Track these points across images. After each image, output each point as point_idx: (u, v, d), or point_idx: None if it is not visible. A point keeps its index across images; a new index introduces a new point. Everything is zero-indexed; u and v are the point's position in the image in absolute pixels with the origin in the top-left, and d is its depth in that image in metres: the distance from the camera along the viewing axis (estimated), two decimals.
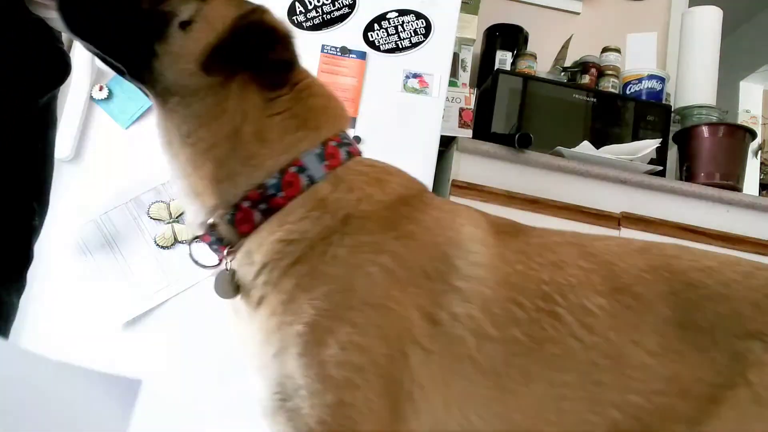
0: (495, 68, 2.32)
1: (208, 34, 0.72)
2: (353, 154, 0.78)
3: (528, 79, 2.24)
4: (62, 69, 0.94)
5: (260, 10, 0.75)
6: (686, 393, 0.68)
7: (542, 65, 2.43)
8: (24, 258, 0.93)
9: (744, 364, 0.68)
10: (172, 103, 0.74)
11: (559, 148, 2.04)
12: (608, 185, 2.01)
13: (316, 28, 1.88)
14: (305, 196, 0.72)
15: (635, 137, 2.19)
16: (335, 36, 1.88)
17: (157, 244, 1.71)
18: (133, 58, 0.73)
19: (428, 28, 1.91)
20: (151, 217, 1.72)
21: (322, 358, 0.66)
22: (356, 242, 0.69)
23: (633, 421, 0.69)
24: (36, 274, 0.98)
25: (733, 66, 3.06)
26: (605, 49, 2.50)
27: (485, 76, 2.36)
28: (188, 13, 0.72)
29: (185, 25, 0.72)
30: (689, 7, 2.73)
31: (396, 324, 0.67)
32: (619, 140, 2.17)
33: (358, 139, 1.82)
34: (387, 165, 0.81)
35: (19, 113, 0.88)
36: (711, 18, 2.52)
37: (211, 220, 0.76)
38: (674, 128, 2.36)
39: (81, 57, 1.73)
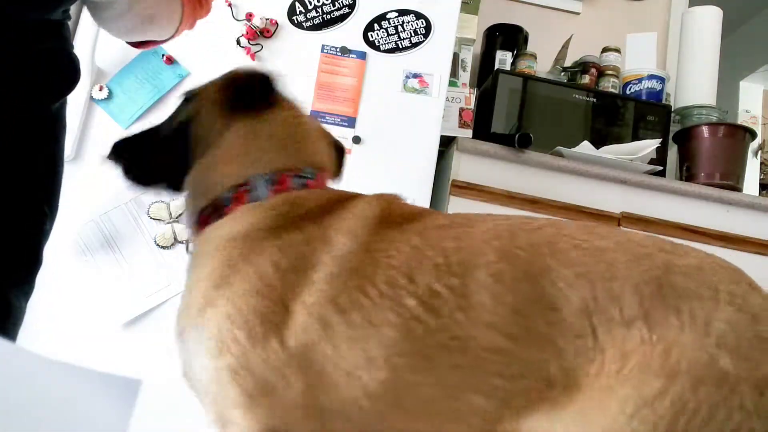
0: (495, 68, 2.33)
1: (211, 111, 0.91)
2: (309, 186, 0.88)
3: (528, 79, 2.24)
4: (74, 74, 0.94)
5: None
6: (549, 378, 0.66)
7: (542, 65, 2.44)
8: (34, 262, 0.94)
9: (604, 350, 0.65)
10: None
11: (559, 148, 2.04)
12: (608, 185, 2.01)
13: (316, 28, 1.88)
14: (243, 208, 0.84)
15: (635, 137, 2.19)
16: (335, 36, 1.89)
17: (157, 244, 1.71)
18: (181, 168, 0.92)
19: (428, 28, 1.91)
20: (151, 217, 1.72)
21: (196, 323, 0.81)
22: (245, 246, 0.79)
23: (502, 406, 0.67)
24: (38, 272, 0.98)
25: (733, 66, 3.06)
26: (605, 49, 2.50)
27: (485, 76, 2.36)
28: (191, 109, 0.93)
29: (193, 119, 0.92)
30: (689, 7, 2.73)
31: (259, 312, 0.74)
32: (619, 140, 2.17)
33: (357, 139, 1.83)
34: (329, 189, 0.91)
35: (35, 118, 0.89)
36: (711, 18, 2.52)
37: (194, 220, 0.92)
38: (674, 128, 2.36)
39: (81, 57, 1.73)
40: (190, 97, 0.94)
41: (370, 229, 0.78)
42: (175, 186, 0.94)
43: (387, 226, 0.79)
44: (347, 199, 0.86)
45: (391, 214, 0.82)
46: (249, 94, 0.91)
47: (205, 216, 0.87)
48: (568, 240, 0.72)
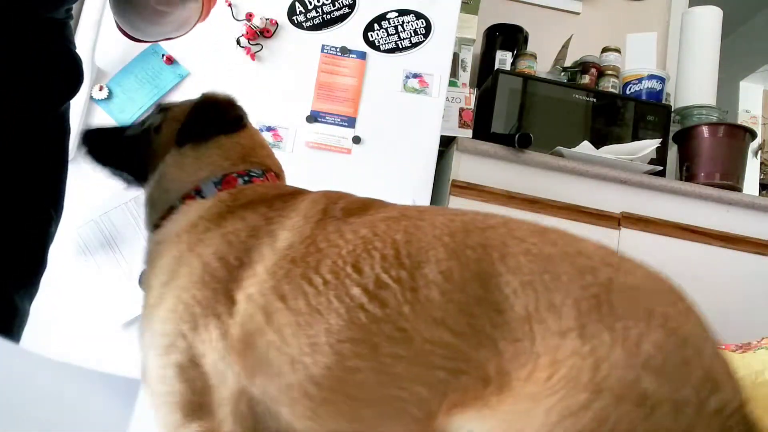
0: (495, 68, 2.32)
1: (172, 128, 0.98)
2: (254, 182, 0.92)
3: (528, 79, 2.24)
4: (79, 76, 0.94)
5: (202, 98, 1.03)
6: (486, 376, 0.67)
7: (542, 65, 2.44)
8: (39, 264, 0.94)
9: (538, 356, 0.65)
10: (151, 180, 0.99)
11: (559, 148, 2.04)
12: (608, 185, 2.01)
13: (316, 28, 1.88)
14: (192, 206, 0.89)
15: (635, 137, 2.19)
16: (335, 36, 1.89)
17: None
18: (138, 165, 1.00)
19: (428, 28, 1.91)
20: None
21: (149, 325, 0.83)
22: (191, 239, 0.83)
23: (441, 399, 0.68)
24: (43, 275, 0.98)
25: (733, 66, 3.06)
26: (605, 49, 2.50)
27: (485, 76, 2.36)
28: (158, 120, 1.00)
29: (157, 129, 0.99)
30: (689, 7, 2.73)
31: (203, 304, 0.77)
32: (619, 140, 2.17)
33: (357, 139, 1.83)
34: (278, 184, 0.96)
35: (42, 121, 0.89)
36: (711, 18, 2.52)
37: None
38: (674, 128, 2.36)
39: (81, 57, 1.73)
40: (162, 109, 1.02)
41: (315, 220, 0.80)
42: (136, 179, 1.01)
43: (333, 218, 0.81)
44: (293, 193, 0.89)
45: (338, 206, 0.83)
46: (206, 124, 0.98)
47: (159, 227, 0.92)
48: (518, 243, 0.72)
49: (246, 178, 0.92)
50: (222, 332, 0.75)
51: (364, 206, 0.84)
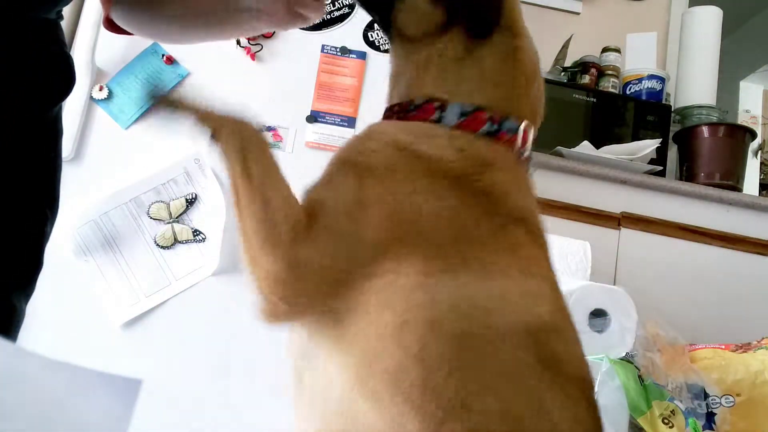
0: None
1: None
2: (500, 139, 0.76)
3: None
4: (73, 76, 0.95)
5: None
6: None
7: (542, 65, 2.43)
8: (36, 264, 0.94)
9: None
10: (398, 41, 0.86)
11: (559, 148, 2.04)
12: (608, 185, 2.01)
13: (316, 28, 1.88)
14: (421, 124, 0.77)
15: (635, 137, 2.19)
16: (335, 36, 1.89)
17: (157, 244, 1.71)
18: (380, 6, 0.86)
19: None
20: (151, 217, 1.72)
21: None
22: (434, 176, 0.70)
23: None
24: (39, 275, 0.98)
25: (733, 66, 3.06)
26: (605, 49, 2.50)
27: None
28: None
29: None
30: (689, 7, 2.73)
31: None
32: (619, 140, 2.17)
33: None
34: (518, 173, 0.78)
35: (36, 121, 0.89)
36: (711, 18, 2.52)
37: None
38: (674, 128, 2.36)
39: (81, 57, 1.73)
40: None
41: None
42: (384, 25, 0.88)
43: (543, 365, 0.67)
44: (531, 218, 0.74)
45: (550, 347, 0.68)
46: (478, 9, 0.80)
47: (390, 113, 0.83)
48: None
49: (495, 128, 0.76)
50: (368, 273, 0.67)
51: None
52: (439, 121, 0.76)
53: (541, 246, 0.74)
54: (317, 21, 1.02)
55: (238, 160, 0.73)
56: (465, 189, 0.70)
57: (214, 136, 0.76)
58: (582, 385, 0.70)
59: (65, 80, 0.93)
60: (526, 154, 0.79)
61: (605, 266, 1.90)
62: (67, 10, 1.86)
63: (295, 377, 0.74)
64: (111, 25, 1.03)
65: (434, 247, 0.66)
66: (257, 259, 0.68)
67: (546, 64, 2.47)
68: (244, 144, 0.74)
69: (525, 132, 0.78)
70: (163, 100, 0.81)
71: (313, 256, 0.67)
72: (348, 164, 0.73)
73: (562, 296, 0.73)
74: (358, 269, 0.66)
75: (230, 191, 0.74)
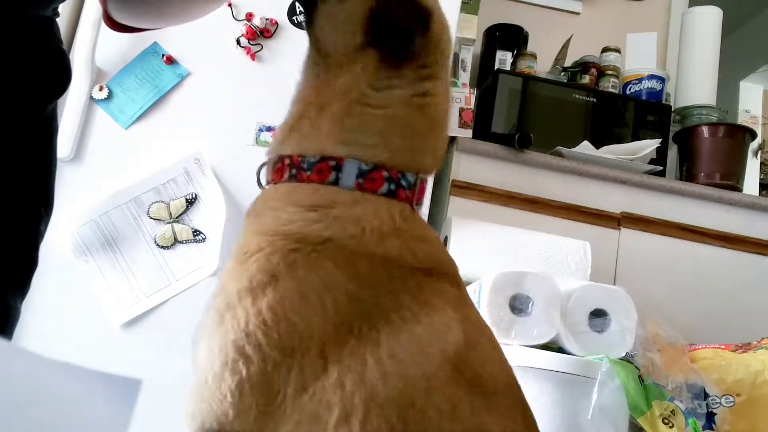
0: (495, 68, 2.32)
1: (360, 7, 0.76)
2: (399, 197, 0.74)
3: (528, 79, 2.24)
4: (69, 73, 0.94)
5: None
6: None
7: (542, 65, 2.43)
8: (31, 263, 0.94)
9: None
10: (311, 59, 0.82)
11: (559, 148, 2.04)
12: (608, 185, 2.01)
13: None
14: (317, 188, 0.73)
15: (635, 137, 2.19)
16: None
17: (157, 244, 1.71)
18: (306, 7, 0.82)
19: None
20: (151, 217, 1.72)
21: (226, 327, 0.67)
22: (319, 266, 0.69)
23: None
24: (36, 274, 0.98)
25: (733, 66, 3.06)
26: (605, 49, 2.50)
27: (485, 76, 2.36)
28: None
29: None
30: (689, 7, 2.73)
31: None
32: (619, 140, 2.17)
33: None
34: (423, 229, 0.77)
35: (32, 119, 0.89)
36: (711, 18, 2.52)
37: (269, 158, 0.81)
38: (674, 128, 2.36)
39: (81, 57, 1.73)
40: None
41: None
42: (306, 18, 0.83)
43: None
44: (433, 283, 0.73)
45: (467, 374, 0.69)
46: (396, 31, 0.75)
47: (282, 166, 0.76)
48: None
49: (393, 186, 0.74)
50: (298, 389, 0.65)
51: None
52: (336, 181, 0.73)
53: (443, 278, 0.74)
54: None
55: None
56: (359, 262, 0.69)
57: None
58: (508, 391, 0.72)
59: (61, 77, 0.93)
60: (422, 204, 0.79)
61: (605, 266, 1.90)
62: (67, 10, 1.87)
63: None
64: (111, 22, 1.02)
65: (346, 332, 0.66)
66: None
67: (546, 64, 2.48)
68: None
69: (421, 184, 0.77)
70: None
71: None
72: (225, 305, 0.69)
73: (470, 308, 0.74)
74: (284, 395, 0.65)
75: None
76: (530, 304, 1.48)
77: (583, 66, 2.43)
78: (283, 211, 0.72)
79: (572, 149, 2.03)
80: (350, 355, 0.65)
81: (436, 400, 0.65)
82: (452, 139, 2.01)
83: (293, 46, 1.87)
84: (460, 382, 0.67)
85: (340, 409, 0.63)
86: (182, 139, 1.78)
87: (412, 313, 0.68)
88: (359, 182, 0.73)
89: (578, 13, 2.76)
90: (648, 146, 2.10)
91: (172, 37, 1.79)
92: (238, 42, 1.84)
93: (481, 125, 2.17)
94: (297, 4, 0.79)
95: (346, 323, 0.66)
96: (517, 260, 1.69)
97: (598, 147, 2.08)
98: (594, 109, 2.22)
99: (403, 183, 0.75)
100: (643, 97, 2.39)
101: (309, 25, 0.81)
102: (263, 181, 0.81)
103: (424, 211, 1.80)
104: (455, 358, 0.67)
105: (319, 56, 0.79)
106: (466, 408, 0.66)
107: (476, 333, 0.72)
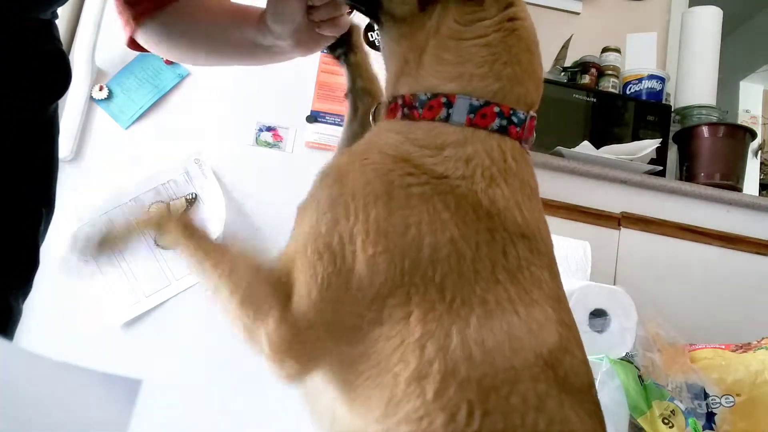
0: None
1: None
2: (510, 134, 0.73)
3: None
4: (69, 74, 0.95)
5: None
6: None
7: (542, 61, 2.43)
8: (33, 263, 0.95)
9: None
10: (389, 25, 0.82)
11: (559, 148, 2.04)
12: (608, 185, 2.01)
13: None
14: (430, 127, 0.73)
15: (635, 137, 2.19)
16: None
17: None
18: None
19: None
20: None
21: (335, 216, 0.68)
22: (430, 201, 0.68)
23: None
24: (37, 274, 0.98)
25: (733, 66, 3.06)
26: (605, 49, 2.50)
27: None
28: None
29: None
30: (689, 7, 2.73)
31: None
32: (619, 140, 2.17)
33: None
34: (530, 174, 0.76)
35: (34, 120, 0.90)
36: (711, 18, 2.52)
37: (383, 100, 0.82)
38: (674, 128, 2.36)
39: (81, 57, 1.73)
40: None
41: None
42: (372, 12, 0.85)
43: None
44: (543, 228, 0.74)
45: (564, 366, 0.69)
46: None
47: (394, 106, 0.77)
48: None
49: (505, 122, 0.73)
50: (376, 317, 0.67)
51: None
52: (447, 118, 0.73)
53: (543, 259, 0.73)
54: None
55: (192, 240, 0.75)
56: (467, 211, 0.68)
57: (162, 235, 0.76)
58: (590, 391, 0.72)
59: (61, 78, 0.93)
60: (531, 141, 0.78)
61: (605, 266, 1.90)
62: (67, 10, 1.87)
63: (307, 404, 0.75)
64: (134, 45, 1.04)
65: (436, 291, 0.65)
66: (253, 330, 0.68)
67: (546, 64, 2.48)
68: (189, 228, 0.77)
69: (531, 120, 0.76)
70: (101, 243, 0.81)
71: (309, 313, 0.66)
72: (339, 184, 0.70)
73: (565, 308, 0.73)
74: (362, 316, 0.66)
75: (195, 273, 0.74)
76: None
77: (583, 66, 2.43)
78: (400, 141, 0.73)
79: (572, 149, 2.03)
80: (436, 321, 0.64)
81: (522, 390, 0.64)
82: None
83: None
84: (550, 380, 0.66)
85: (415, 368, 0.63)
86: (182, 139, 1.78)
87: (509, 300, 0.67)
88: (470, 118, 0.72)
89: (578, 13, 2.76)
90: (648, 146, 2.10)
91: None
92: None
93: None
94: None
95: (439, 285, 0.65)
96: None
97: (598, 147, 2.08)
98: (594, 109, 2.22)
99: (514, 119, 0.74)
100: (643, 97, 2.39)
101: (377, 13, 0.83)
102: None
103: None
104: (548, 357, 0.67)
105: (398, 24, 0.80)
106: (553, 401, 0.65)
107: (569, 336, 0.71)
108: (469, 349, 0.64)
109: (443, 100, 0.73)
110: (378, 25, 0.85)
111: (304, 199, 0.74)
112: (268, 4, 0.91)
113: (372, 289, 0.65)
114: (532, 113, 0.77)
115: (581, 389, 0.69)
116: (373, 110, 0.84)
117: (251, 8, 0.98)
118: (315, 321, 0.66)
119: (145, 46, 1.03)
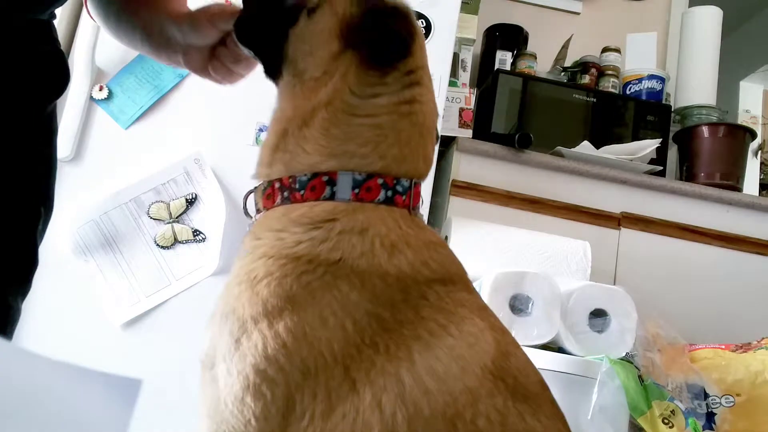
0: (495, 68, 2.32)
1: (330, 18, 0.76)
2: (397, 204, 0.73)
3: (528, 79, 2.24)
4: (67, 75, 0.95)
5: None
6: None
7: (542, 65, 2.43)
8: (32, 263, 0.95)
9: None
10: (287, 80, 0.81)
11: (559, 148, 2.04)
12: (608, 185, 2.01)
13: None
14: (315, 207, 0.72)
15: (635, 137, 2.20)
16: None
17: (157, 244, 1.71)
18: (271, 45, 0.81)
19: (428, 28, 1.91)
20: (151, 217, 1.72)
21: (243, 351, 0.66)
22: (334, 287, 0.67)
23: None
24: (36, 274, 0.98)
25: (733, 66, 3.06)
26: (605, 49, 2.50)
27: (485, 76, 2.36)
28: (314, 1, 0.78)
29: (311, 11, 0.77)
30: (689, 7, 2.73)
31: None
32: (619, 140, 2.17)
33: None
34: (429, 234, 0.75)
35: (32, 120, 0.90)
36: (711, 18, 2.52)
37: (257, 185, 0.80)
38: (674, 128, 2.36)
39: (81, 57, 1.73)
40: None
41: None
42: (267, 72, 0.84)
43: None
44: (453, 279, 0.73)
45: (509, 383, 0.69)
46: (381, 39, 0.74)
47: (272, 191, 0.75)
48: None
49: (389, 193, 0.73)
50: (326, 409, 0.65)
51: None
52: (332, 196, 0.71)
53: (458, 285, 0.73)
54: (239, 81, 0.95)
55: None
56: (374, 283, 0.68)
57: None
58: (544, 391, 0.72)
59: (59, 78, 0.93)
60: (419, 208, 0.77)
61: (605, 266, 1.90)
62: (67, 10, 1.87)
63: None
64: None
65: (369, 349, 0.65)
66: None
67: (546, 64, 2.48)
68: None
69: (416, 188, 0.76)
70: None
71: None
72: (234, 319, 0.68)
73: (491, 314, 0.74)
74: (313, 415, 0.64)
75: None
76: (530, 304, 1.48)
77: (583, 66, 2.43)
78: (286, 233, 0.71)
79: (572, 149, 2.03)
80: (382, 374, 0.64)
81: (483, 411, 0.64)
82: (452, 139, 2.01)
83: None
84: (503, 391, 0.66)
85: (381, 429, 0.62)
86: (182, 139, 1.78)
87: (440, 326, 0.67)
88: (355, 193, 0.72)
89: (578, 13, 2.76)
90: (648, 146, 2.10)
91: None
92: None
93: (481, 125, 2.17)
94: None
95: (371, 342, 0.65)
96: (517, 260, 1.69)
97: (598, 147, 2.09)
98: (594, 109, 2.22)
99: (399, 189, 0.74)
100: (643, 97, 2.39)
101: (277, 68, 0.81)
102: (252, 210, 0.79)
103: (423, 212, 1.81)
104: (493, 367, 0.67)
105: (295, 74, 0.79)
106: (514, 415, 0.65)
107: (504, 339, 0.72)
108: (423, 383, 0.64)
109: (325, 178, 0.72)
110: (274, 80, 0.84)
111: (209, 357, 0.71)
112: (193, 12, 0.90)
113: (312, 387, 0.64)
114: (416, 180, 0.76)
115: (535, 392, 0.69)
116: (245, 197, 0.81)
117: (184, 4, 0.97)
118: None
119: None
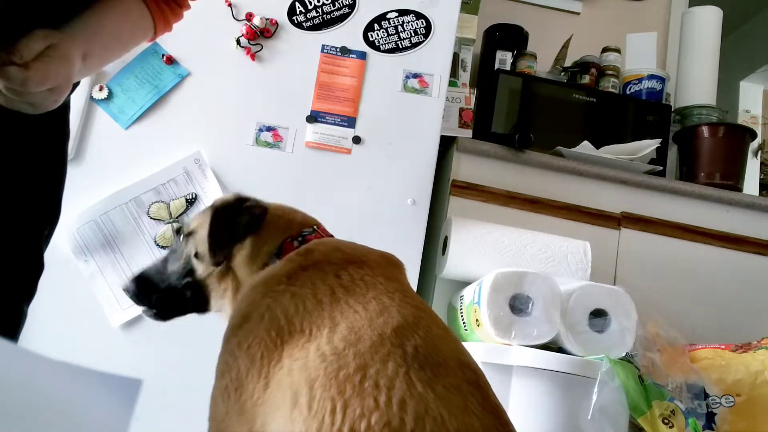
0: (495, 68, 2.32)
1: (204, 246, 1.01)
2: (308, 239, 0.97)
3: (528, 79, 2.24)
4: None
5: (213, 205, 1.04)
6: None
7: (542, 65, 2.43)
8: (38, 267, 0.95)
9: None
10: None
11: (559, 148, 2.04)
12: (608, 185, 2.01)
13: (316, 28, 1.88)
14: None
15: (635, 137, 2.19)
16: (335, 36, 1.89)
17: (157, 244, 1.71)
18: (194, 304, 1.10)
19: (428, 28, 1.91)
20: (151, 217, 1.72)
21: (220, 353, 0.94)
22: (268, 291, 0.88)
23: None
24: (40, 278, 0.99)
25: (733, 66, 3.06)
26: (605, 49, 2.50)
27: (485, 76, 2.36)
28: (193, 249, 1.04)
29: (196, 255, 1.04)
30: (689, 7, 2.73)
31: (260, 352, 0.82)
32: (619, 140, 2.17)
33: (357, 139, 1.83)
34: (337, 242, 0.98)
35: (42, 124, 0.90)
36: (711, 18, 2.52)
37: None
38: (674, 128, 2.36)
39: None
40: (186, 234, 1.06)
41: (380, 346, 0.76)
42: (201, 311, 1.09)
43: (404, 360, 0.75)
44: (358, 260, 0.91)
45: (411, 344, 0.77)
46: (235, 227, 1.01)
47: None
48: None
49: (301, 239, 0.98)
50: (263, 383, 0.79)
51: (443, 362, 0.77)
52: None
53: (376, 271, 0.89)
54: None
55: None
56: (296, 272, 0.89)
57: None
58: (452, 363, 0.77)
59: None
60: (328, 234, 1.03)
61: (605, 266, 1.90)
62: None
63: None
64: None
65: (298, 332, 0.80)
66: None
67: (546, 64, 2.48)
68: None
69: (320, 227, 1.03)
70: None
71: None
72: (221, 376, 0.92)
73: (410, 295, 0.87)
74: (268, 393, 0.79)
75: None
76: (530, 304, 1.48)
77: (583, 66, 2.43)
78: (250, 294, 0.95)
79: (572, 149, 2.03)
80: (299, 349, 0.77)
81: (373, 374, 0.71)
82: (452, 139, 2.01)
83: (293, 46, 1.87)
84: (398, 358, 0.73)
85: (291, 394, 0.73)
86: (182, 139, 1.78)
87: (349, 306, 0.81)
88: (280, 257, 0.97)
89: (578, 13, 2.76)
90: (648, 146, 2.10)
91: (173, 37, 1.79)
92: (238, 42, 1.84)
93: (481, 125, 2.17)
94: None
95: (300, 327, 0.80)
96: (517, 260, 1.69)
97: (598, 147, 2.08)
98: (594, 109, 2.22)
99: (305, 233, 1.00)
100: (643, 97, 2.39)
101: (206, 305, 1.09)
102: None
103: (422, 213, 1.81)
104: (394, 335, 0.76)
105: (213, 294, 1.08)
106: (404, 381, 0.71)
107: (422, 314, 0.82)
108: (322, 353, 0.75)
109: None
110: (203, 309, 1.13)
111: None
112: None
113: (257, 369, 0.80)
114: (318, 228, 1.03)
115: (440, 363, 0.75)
116: None
117: None
118: None
119: None
